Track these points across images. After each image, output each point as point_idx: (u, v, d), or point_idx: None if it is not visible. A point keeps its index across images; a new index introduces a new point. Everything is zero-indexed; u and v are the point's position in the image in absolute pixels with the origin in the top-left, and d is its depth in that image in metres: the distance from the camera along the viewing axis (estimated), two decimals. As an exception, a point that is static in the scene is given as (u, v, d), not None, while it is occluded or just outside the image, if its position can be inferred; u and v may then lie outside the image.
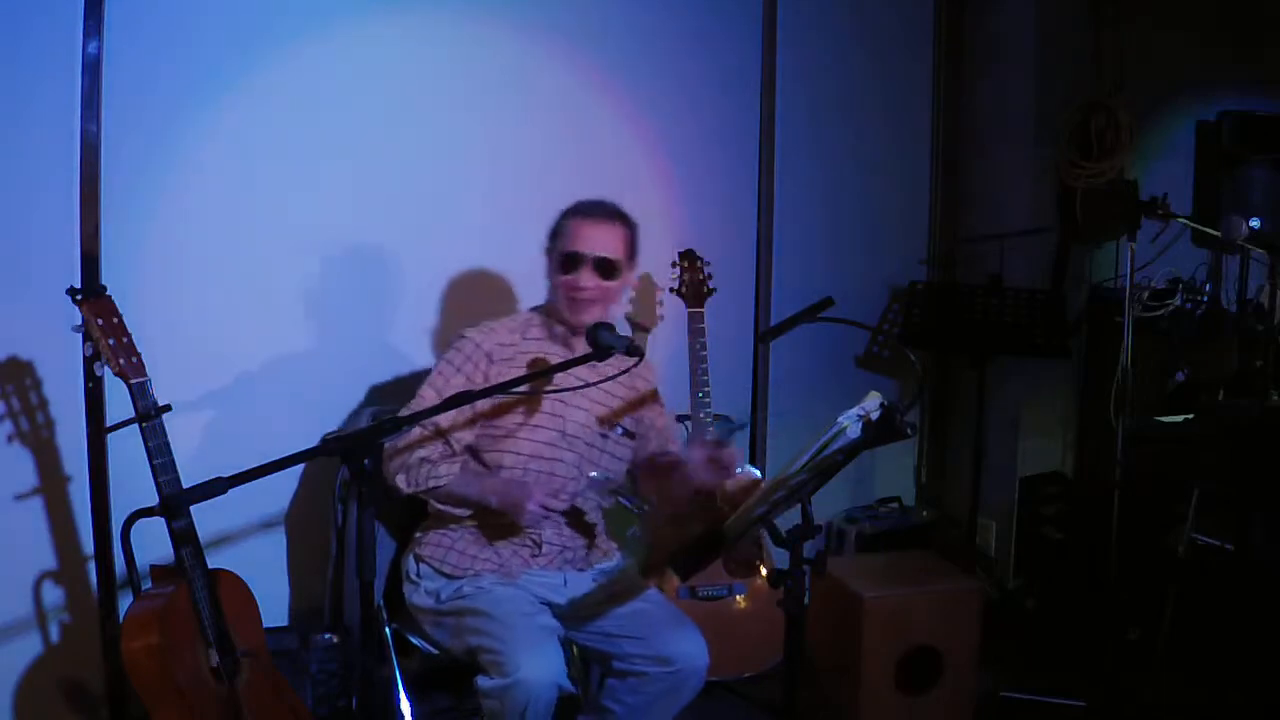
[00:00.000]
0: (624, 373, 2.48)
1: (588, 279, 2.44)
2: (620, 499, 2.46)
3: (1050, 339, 3.58)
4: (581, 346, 2.50)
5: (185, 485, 2.10)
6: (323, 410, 2.96)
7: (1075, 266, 3.87)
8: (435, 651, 2.49)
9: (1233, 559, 2.94)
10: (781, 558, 2.07)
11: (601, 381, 2.39)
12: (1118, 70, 3.74)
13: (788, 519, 2.01)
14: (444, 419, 2.40)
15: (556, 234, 2.50)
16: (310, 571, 2.94)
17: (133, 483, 2.38)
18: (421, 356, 3.05)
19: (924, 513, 3.99)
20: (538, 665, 2.17)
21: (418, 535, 2.54)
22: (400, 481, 2.41)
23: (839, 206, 3.85)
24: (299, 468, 2.92)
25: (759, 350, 3.76)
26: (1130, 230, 3.16)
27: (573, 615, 2.46)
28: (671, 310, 3.41)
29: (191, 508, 2.14)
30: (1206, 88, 3.85)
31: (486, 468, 2.48)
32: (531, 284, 2.70)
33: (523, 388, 2.38)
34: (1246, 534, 2.86)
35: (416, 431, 2.41)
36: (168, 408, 2.16)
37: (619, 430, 2.58)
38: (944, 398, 4.18)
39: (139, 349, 2.15)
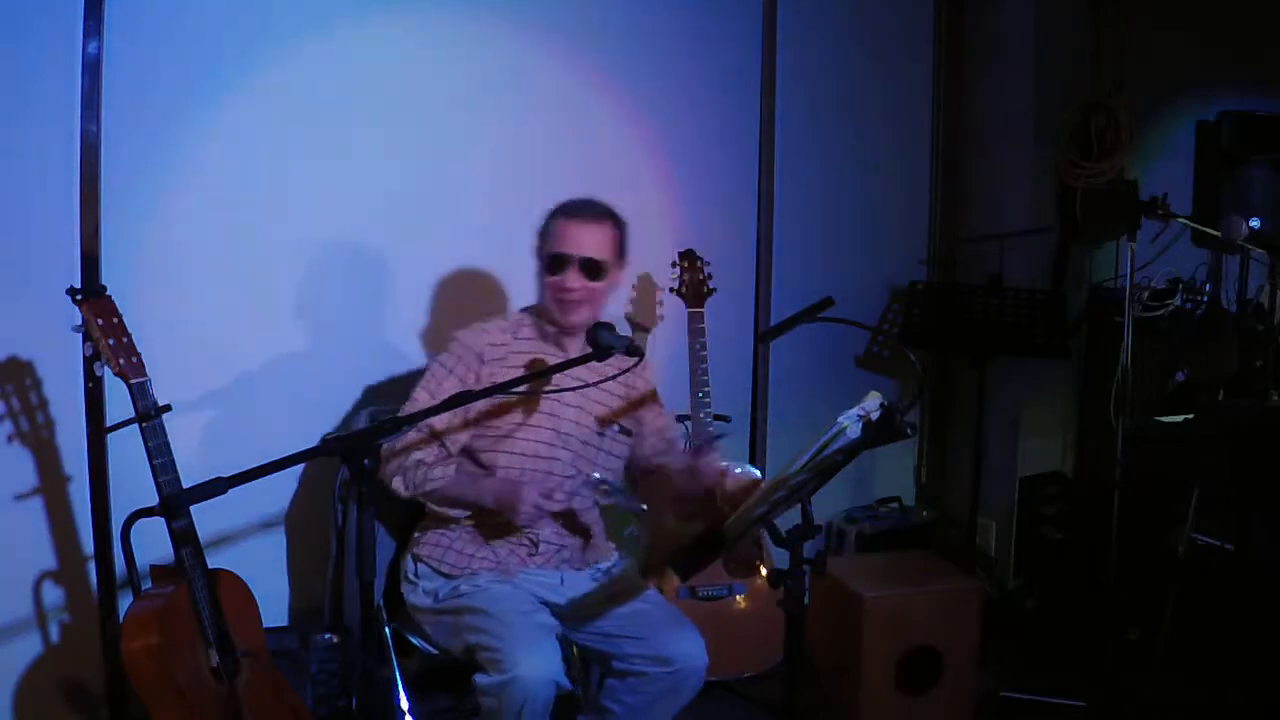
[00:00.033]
0: (623, 373, 2.48)
1: (574, 280, 2.43)
2: (617, 500, 2.46)
3: (1050, 339, 3.58)
4: (573, 346, 2.52)
5: (185, 485, 2.10)
6: (322, 410, 2.96)
7: (1075, 266, 3.87)
8: (435, 651, 2.49)
9: (1233, 559, 2.94)
10: (781, 558, 2.07)
11: (601, 381, 2.39)
12: (1118, 70, 3.74)
13: (788, 519, 2.01)
14: (439, 421, 2.41)
15: (544, 234, 2.49)
16: (310, 571, 2.94)
17: (133, 483, 2.38)
18: (421, 357, 3.06)
19: (924, 513, 3.99)
20: (535, 662, 2.17)
21: (416, 535, 2.55)
22: (398, 485, 2.42)
23: (839, 206, 3.85)
24: (299, 468, 2.92)
25: (759, 350, 3.76)
26: (1130, 230, 3.16)
27: (572, 615, 2.46)
28: (671, 310, 3.41)
29: (191, 508, 2.14)
30: (1206, 88, 3.84)
31: (483, 469, 2.48)
32: (532, 284, 2.70)
33: (521, 388, 2.38)
34: (1246, 534, 2.86)
35: (412, 434, 2.42)
36: (168, 408, 2.16)
37: (615, 428, 2.58)
38: (944, 398, 4.18)
39: (139, 349, 2.15)
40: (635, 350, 2.24)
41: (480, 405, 2.43)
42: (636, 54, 3.40)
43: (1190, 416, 3.34)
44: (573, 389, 2.45)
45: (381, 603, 2.57)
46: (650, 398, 2.66)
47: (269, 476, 1.83)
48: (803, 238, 3.77)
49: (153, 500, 2.12)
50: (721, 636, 3.03)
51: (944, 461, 4.19)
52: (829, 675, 2.98)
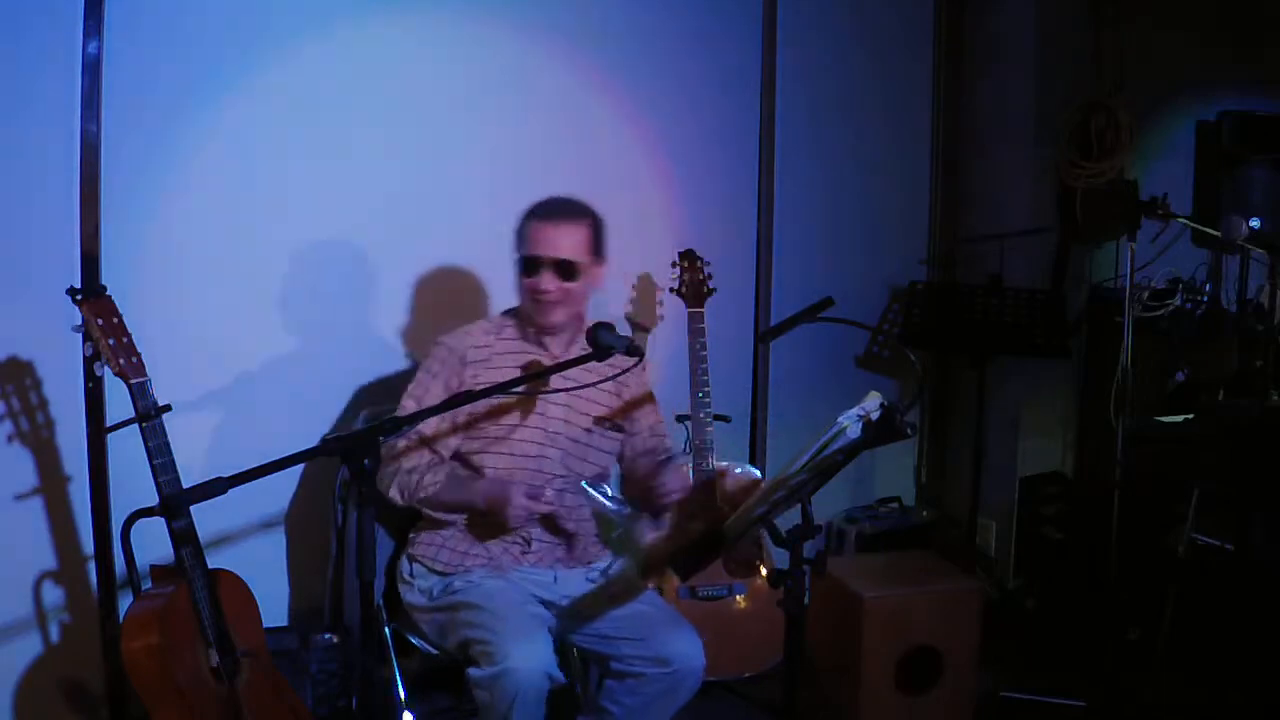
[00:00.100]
0: (616, 376, 2.49)
1: (549, 282, 2.43)
2: (600, 503, 2.45)
3: (1050, 339, 3.58)
4: (555, 346, 2.53)
5: (185, 485, 2.10)
6: (322, 410, 2.96)
7: (1075, 266, 3.87)
8: (434, 651, 2.49)
9: (1233, 559, 2.94)
10: (781, 558, 2.07)
11: (599, 382, 2.40)
12: (1118, 70, 3.74)
13: (788, 519, 2.01)
14: (427, 427, 2.43)
15: (518, 236, 2.49)
16: (310, 571, 2.94)
17: (133, 483, 2.38)
18: (422, 357, 3.05)
19: (924, 513, 3.99)
20: (526, 654, 2.18)
21: (411, 536, 2.57)
22: (394, 494, 2.46)
23: (839, 206, 3.85)
24: (299, 468, 2.92)
25: (759, 350, 3.76)
26: (1130, 230, 3.16)
27: (571, 616, 2.46)
28: (671, 310, 3.41)
29: (191, 508, 2.14)
30: (1206, 88, 3.84)
31: (475, 471, 2.49)
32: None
33: (519, 389, 2.39)
34: (1246, 534, 2.86)
35: (402, 442, 2.44)
36: (168, 408, 2.16)
37: (605, 425, 2.58)
38: (944, 398, 4.18)
39: (139, 349, 2.15)
40: (635, 350, 2.24)
41: (468, 409, 2.45)
42: (636, 54, 3.40)
43: (1190, 416, 3.34)
44: (568, 390, 2.46)
45: (381, 603, 2.58)
46: (645, 399, 2.66)
47: (269, 476, 1.83)
48: (803, 238, 3.77)
49: (153, 500, 2.12)
50: (721, 636, 3.03)
51: (944, 461, 4.18)
52: (829, 675, 2.98)
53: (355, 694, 2.66)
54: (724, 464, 3.19)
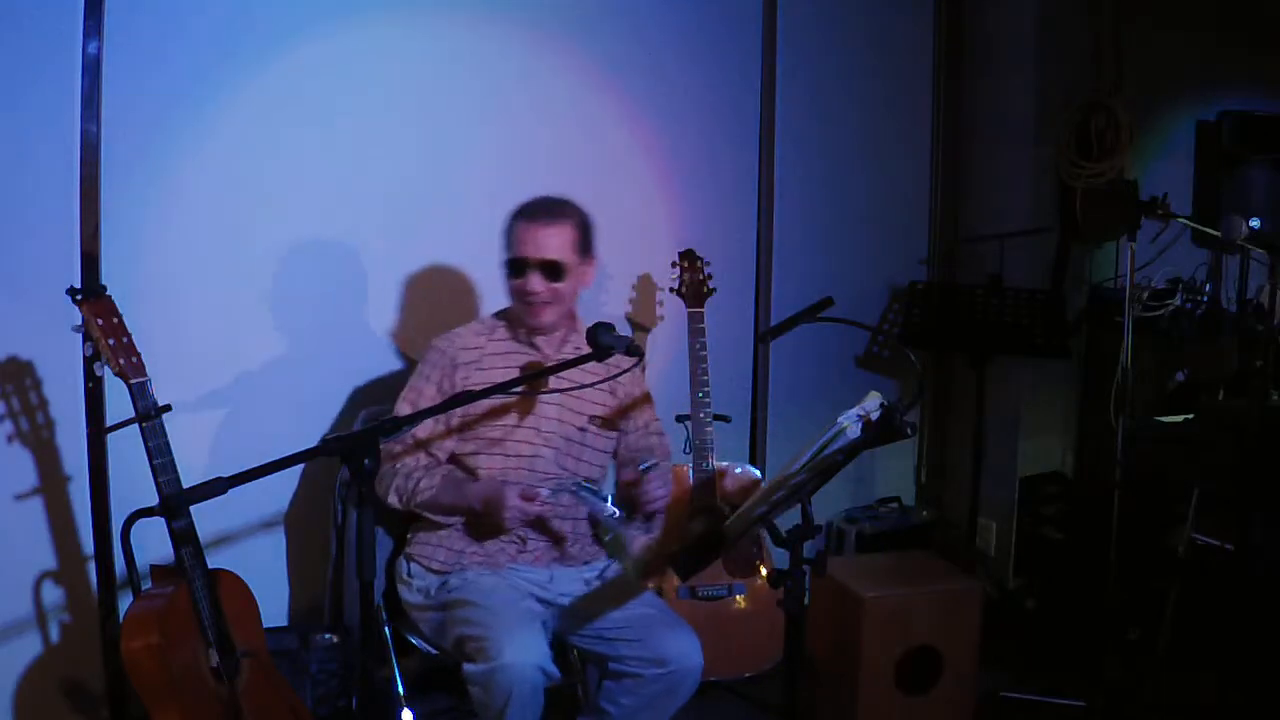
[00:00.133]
0: (615, 376, 2.49)
1: (536, 283, 2.44)
2: (589, 505, 2.45)
3: (1050, 339, 3.58)
4: (547, 346, 2.53)
5: (185, 485, 2.10)
6: (323, 410, 2.96)
7: (1075, 266, 3.87)
8: (434, 651, 2.49)
9: (1233, 559, 2.94)
10: (781, 558, 2.07)
11: (598, 383, 2.41)
12: (1118, 70, 3.74)
13: (788, 519, 2.01)
14: (423, 429, 2.45)
15: (506, 238, 2.50)
16: (310, 571, 2.95)
17: (133, 483, 2.38)
18: (421, 358, 3.05)
19: (924, 513, 3.99)
20: (520, 649, 2.18)
21: (409, 536, 2.58)
22: (393, 499, 2.47)
23: (839, 206, 3.85)
24: (299, 468, 2.92)
25: (759, 350, 3.76)
26: (1130, 230, 3.16)
27: (570, 617, 2.46)
28: (671, 310, 3.41)
29: (191, 508, 2.14)
30: (1206, 88, 3.85)
31: (470, 473, 2.50)
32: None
33: (519, 389, 2.39)
34: (1246, 534, 2.86)
35: (398, 446, 2.45)
36: (168, 408, 2.16)
37: (598, 422, 2.58)
38: (944, 398, 4.18)
39: (139, 349, 2.15)
40: (635, 350, 2.24)
41: (461, 411, 2.46)
42: (636, 54, 3.40)
43: (1190, 416, 3.34)
44: (564, 390, 2.47)
45: (381, 603, 2.58)
46: (640, 398, 2.66)
47: (269, 476, 1.83)
48: (803, 238, 3.77)
49: (153, 500, 2.12)
50: (721, 636, 3.04)
51: (944, 461, 4.18)
52: (829, 675, 2.98)
53: (355, 694, 2.66)
54: (724, 464, 3.19)
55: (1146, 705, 3.05)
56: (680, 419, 3.18)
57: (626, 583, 2.59)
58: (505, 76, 3.17)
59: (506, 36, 3.16)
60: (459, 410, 2.45)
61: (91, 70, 2.58)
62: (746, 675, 3.13)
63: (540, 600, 2.47)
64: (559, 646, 2.43)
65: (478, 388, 2.36)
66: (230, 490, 1.76)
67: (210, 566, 2.21)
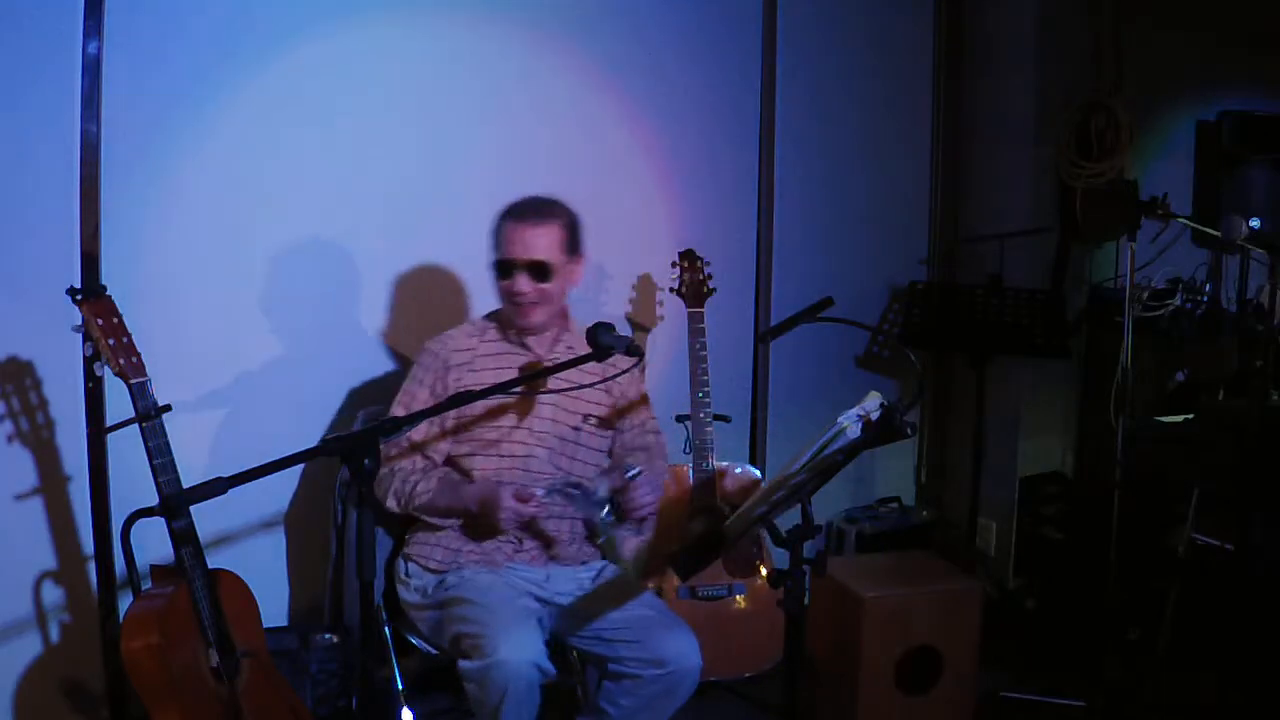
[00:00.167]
0: (614, 377, 2.49)
1: (523, 284, 2.45)
2: (579, 507, 2.45)
3: (1050, 339, 3.58)
4: (538, 346, 2.54)
5: (185, 485, 2.10)
6: (323, 410, 2.96)
7: (1075, 266, 3.87)
8: (434, 651, 2.49)
9: (1233, 559, 2.94)
10: (781, 558, 2.07)
11: (596, 383, 2.41)
12: (1118, 70, 3.74)
13: (788, 519, 2.01)
14: (418, 432, 2.46)
15: (493, 239, 2.50)
16: (310, 571, 2.95)
17: (133, 483, 2.38)
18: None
19: (924, 513, 3.99)
20: (515, 646, 2.18)
21: (407, 536, 2.58)
22: (391, 504, 2.48)
23: (839, 206, 3.85)
24: (299, 468, 2.92)
25: (759, 350, 3.76)
26: (1130, 230, 3.16)
27: (569, 617, 2.46)
28: (671, 310, 3.41)
29: (191, 508, 2.14)
30: (1206, 88, 3.84)
31: (466, 474, 2.50)
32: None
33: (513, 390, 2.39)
34: (1246, 534, 2.86)
35: (394, 450, 2.46)
36: (168, 408, 2.16)
37: (593, 421, 2.58)
38: (944, 398, 4.18)
39: (139, 349, 2.15)
40: (635, 350, 2.24)
41: (455, 413, 2.46)
42: (635, 54, 3.40)
43: (1190, 416, 3.34)
44: (560, 391, 2.47)
45: (381, 603, 2.58)
46: (637, 400, 2.66)
47: (269, 476, 1.83)
48: (803, 238, 3.77)
49: (153, 500, 2.12)
50: (721, 636, 3.04)
51: (944, 461, 4.18)
52: (829, 675, 2.98)
53: (355, 694, 2.67)
54: (724, 464, 3.19)
55: (1146, 705, 3.05)
56: (680, 419, 3.18)
57: (625, 583, 2.59)
58: (505, 76, 3.17)
59: (506, 36, 3.16)
60: (454, 412, 2.45)
61: (91, 70, 2.58)
62: (746, 675, 3.13)
63: (538, 599, 2.47)
64: (558, 647, 2.44)
65: (471, 389, 2.36)
66: (230, 490, 1.76)
67: (210, 566, 2.21)
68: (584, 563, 2.59)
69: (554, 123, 3.25)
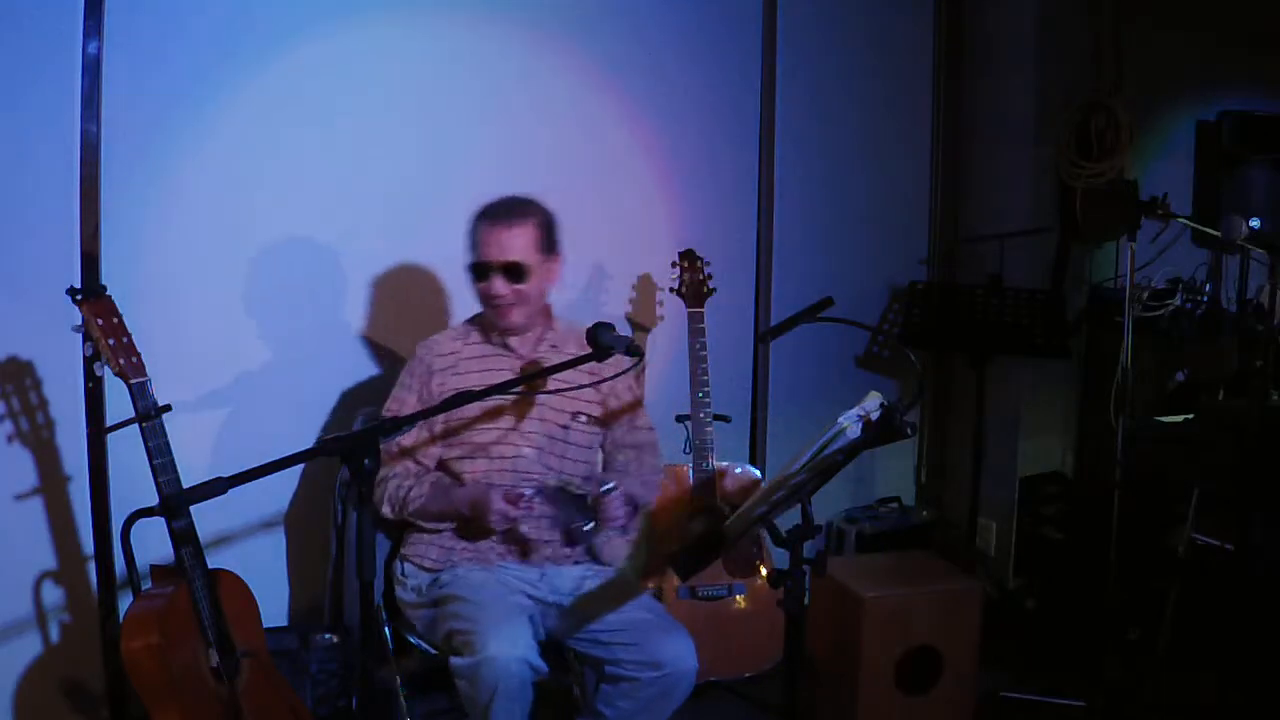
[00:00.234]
0: (613, 377, 2.49)
1: (499, 286, 2.45)
2: (563, 512, 2.45)
3: (1050, 339, 3.58)
4: (521, 347, 2.55)
5: (185, 485, 2.10)
6: (323, 410, 2.97)
7: (1075, 266, 3.87)
8: (433, 651, 2.49)
9: (1233, 559, 2.94)
10: (781, 558, 2.07)
11: (596, 383, 2.41)
12: (1118, 70, 3.74)
13: (788, 519, 2.01)
14: (408, 438, 2.47)
15: (469, 241, 2.50)
16: (310, 571, 2.95)
17: (133, 483, 2.38)
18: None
19: (924, 513, 3.99)
20: (506, 642, 2.18)
21: (404, 537, 2.59)
22: (386, 511, 2.49)
23: (839, 206, 3.85)
24: (299, 468, 2.92)
25: (759, 350, 3.76)
26: (1130, 230, 3.16)
27: (567, 618, 2.46)
28: (671, 310, 3.41)
29: (191, 508, 2.14)
30: (1206, 88, 3.84)
31: (456, 478, 2.51)
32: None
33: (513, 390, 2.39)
34: (1246, 534, 2.86)
35: (384, 456, 2.46)
36: (168, 408, 2.16)
37: (582, 419, 2.58)
38: (944, 398, 4.18)
39: (139, 349, 2.15)
40: (635, 350, 2.24)
41: (443, 417, 2.46)
42: (635, 54, 3.40)
43: (1190, 416, 3.34)
44: (556, 391, 2.47)
45: (381, 603, 2.58)
46: (628, 397, 2.66)
47: (269, 476, 1.83)
48: (803, 238, 3.77)
49: (153, 500, 2.12)
50: (721, 636, 3.04)
51: (944, 461, 4.18)
52: (829, 675, 2.98)
53: (355, 694, 2.67)
54: (724, 464, 3.19)
55: (1146, 705, 3.05)
56: (680, 419, 3.18)
57: (623, 585, 2.58)
58: (505, 76, 3.17)
59: (506, 36, 3.16)
60: (441, 416, 2.45)
61: (91, 70, 2.58)
62: (746, 675, 3.13)
63: (531, 597, 2.47)
64: (555, 648, 2.44)
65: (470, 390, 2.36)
66: (230, 490, 1.76)
67: (210, 566, 2.21)
68: (578, 563, 2.59)
69: (554, 123, 3.25)
